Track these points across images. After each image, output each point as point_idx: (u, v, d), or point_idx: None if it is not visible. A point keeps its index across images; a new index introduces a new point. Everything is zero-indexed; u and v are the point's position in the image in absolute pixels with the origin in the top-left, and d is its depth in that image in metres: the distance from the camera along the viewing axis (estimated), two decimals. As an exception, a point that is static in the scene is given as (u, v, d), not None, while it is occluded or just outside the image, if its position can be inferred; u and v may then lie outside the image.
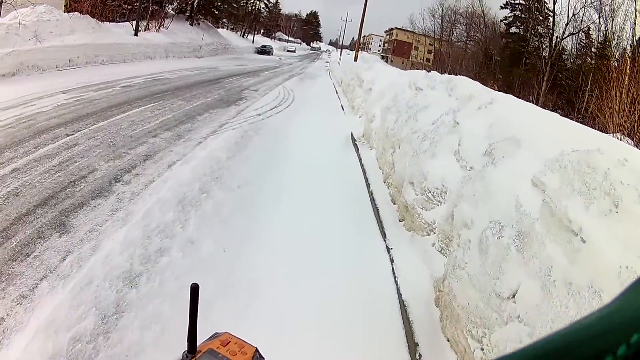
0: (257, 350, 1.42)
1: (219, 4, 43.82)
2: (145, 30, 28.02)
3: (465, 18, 49.05)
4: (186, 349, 1.33)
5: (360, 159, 9.01)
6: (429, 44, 60.24)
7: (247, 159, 8.37)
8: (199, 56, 32.22)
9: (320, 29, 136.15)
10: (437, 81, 7.91)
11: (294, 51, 76.40)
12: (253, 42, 58.90)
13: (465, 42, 49.23)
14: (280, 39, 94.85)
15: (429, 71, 10.98)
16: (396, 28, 78.47)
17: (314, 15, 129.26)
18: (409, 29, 65.53)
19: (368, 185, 7.63)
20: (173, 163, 7.54)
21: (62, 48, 16.95)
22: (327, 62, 57.25)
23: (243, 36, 59.15)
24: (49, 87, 11.89)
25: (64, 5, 21.04)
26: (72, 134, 8.08)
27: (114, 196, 5.86)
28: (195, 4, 37.83)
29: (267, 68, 32.29)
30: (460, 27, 50.66)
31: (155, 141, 8.55)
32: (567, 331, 0.33)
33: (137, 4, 26.47)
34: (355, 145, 10.12)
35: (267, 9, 68.09)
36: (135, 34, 25.44)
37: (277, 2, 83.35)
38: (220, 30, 45.64)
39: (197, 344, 1.38)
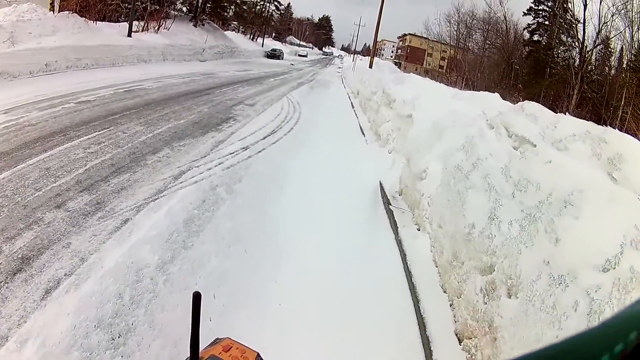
0: (258, 355, 1.38)
1: (226, 4, 39.77)
2: (142, 31, 24.19)
3: (484, 24, 44.64)
4: (188, 356, 1.22)
5: (402, 254, 4.88)
6: (443, 51, 56.53)
7: (197, 267, 4.30)
8: (201, 60, 28.35)
9: (333, 34, 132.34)
10: (558, 128, 3.78)
11: (305, 56, 72.01)
12: (262, 45, 54.54)
13: (483, 48, 44.76)
14: (291, 43, 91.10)
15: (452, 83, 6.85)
16: (410, 34, 75.99)
17: (326, 20, 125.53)
18: (422, 35, 62.02)
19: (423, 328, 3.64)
20: (47, 292, 3.58)
21: (37, 51, 13.85)
22: (340, 67, 53.34)
23: (252, 39, 54.85)
24: None
25: (50, 3, 17.36)
26: None
27: None
28: (200, 4, 33.88)
29: (274, 74, 27.91)
30: (478, 33, 46.39)
31: (51, 220, 4.71)
32: (568, 338, 0.33)
33: (132, 2, 22.42)
34: (388, 211, 5.99)
35: (278, 12, 63.71)
36: (129, 35, 21.54)
37: (288, 5, 79.86)
38: (227, 32, 41.78)
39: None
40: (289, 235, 5.10)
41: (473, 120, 5.25)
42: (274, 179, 6.97)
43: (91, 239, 4.49)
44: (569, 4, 35.07)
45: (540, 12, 38.92)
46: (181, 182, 6.08)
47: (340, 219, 5.77)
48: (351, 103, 19.15)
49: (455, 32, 49.00)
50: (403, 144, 8.13)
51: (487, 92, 8.52)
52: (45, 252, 4.09)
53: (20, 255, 3.92)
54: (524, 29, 40.90)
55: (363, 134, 12.00)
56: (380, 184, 7.02)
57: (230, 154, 7.84)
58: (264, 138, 9.49)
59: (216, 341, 1.45)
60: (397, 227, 5.39)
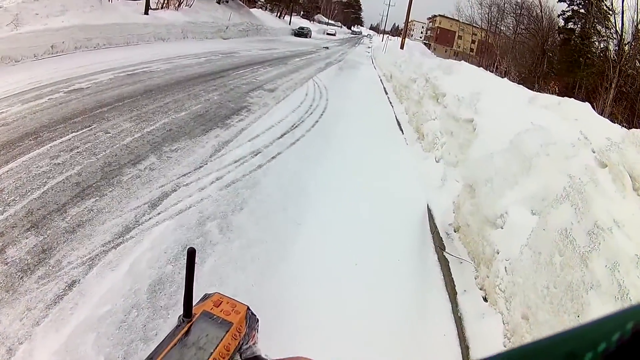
0: (248, 308, 1.34)
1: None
2: (162, 8, 22.46)
3: (517, 7, 41.66)
4: (182, 313, 1.22)
5: (463, 346, 3.09)
6: (474, 34, 53.98)
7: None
8: (224, 37, 26.61)
9: (362, 13, 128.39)
10: None
11: (334, 34, 69.52)
12: (290, 23, 52.17)
13: (515, 32, 41.79)
14: (320, 22, 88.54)
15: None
16: (440, 15, 73.01)
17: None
18: (452, 17, 59.44)
19: None
20: None
21: (42, 33, 12.48)
22: (369, 47, 51.10)
23: (280, 17, 52.39)
24: None
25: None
26: None
27: None
28: (222, -20, 31.98)
29: (300, 53, 25.80)
30: (510, 17, 43.43)
31: None
32: (553, 335, 0.32)
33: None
34: (441, 257, 4.22)
35: (306, -11, 61.16)
36: (145, 12, 19.82)
37: (317, -18, 76.93)
38: (254, 10, 39.71)
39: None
40: (301, 318, 3.33)
41: (573, 148, 3.40)
42: (288, 204, 5.10)
43: (23, 316, 2.99)
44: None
45: (575, 0, 35.83)
46: (159, 213, 4.34)
47: (375, 275, 3.92)
48: (384, 88, 16.98)
49: (486, 15, 46.34)
50: (459, 155, 6.20)
51: (567, 98, 6.39)
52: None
53: None
54: (558, 15, 37.89)
55: (401, 129, 9.96)
56: (429, 210, 5.21)
57: (235, 162, 6.03)
58: (280, 136, 7.61)
59: (205, 296, 1.38)
60: (456, 292, 3.63)
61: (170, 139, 6.55)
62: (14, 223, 3.96)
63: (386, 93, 15.53)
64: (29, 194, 4.50)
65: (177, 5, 23.87)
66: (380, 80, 19.67)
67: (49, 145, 5.74)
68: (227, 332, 1.26)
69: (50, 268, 3.46)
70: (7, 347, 2.76)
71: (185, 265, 1.15)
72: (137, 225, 4.12)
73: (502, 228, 3.47)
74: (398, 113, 11.47)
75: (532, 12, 40.45)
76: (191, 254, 1.17)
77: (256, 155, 6.44)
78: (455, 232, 4.47)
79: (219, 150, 6.38)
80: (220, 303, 1.33)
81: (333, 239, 4.44)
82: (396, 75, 15.85)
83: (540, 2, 39.11)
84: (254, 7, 43.65)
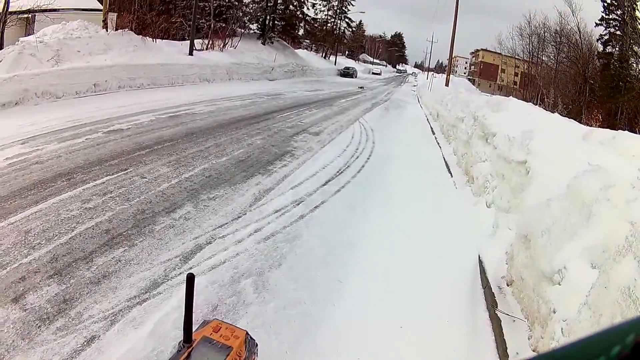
0: (247, 333, 1.52)
1: (296, 22, 38.73)
2: (207, 49, 23.24)
3: (557, 35, 41.21)
4: (182, 339, 1.36)
5: None
6: (516, 66, 53.77)
7: None
8: (270, 78, 27.29)
9: (405, 51, 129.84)
10: None
11: (379, 73, 70.67)
12: (335, 63, 53.27)
13: (556, 62, 41.25)
14: (365, 61, 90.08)
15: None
16: (482, 49, 73.50)
17: (398, 37, 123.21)
18: (494, 51, 59.50)
19: None
20: None
21: (84, 70, 13.02)
22: (414, 85, 51.44)
23: (325, 57, 53.73)
24: (19, 129, 8.17)
25: (102, 21, 16.51)
26: None
27: None
28: (269, 22, 32.91)
29: (346, 94, 26.06)
30: (550, 46, 43.02)
31: None
32: (568, 345, 0.35)
33: (192, 18, 21.46)
34: (493, 316, 3.90)
35: (350, 30, 62.20)
36: (190, 53, 20.51)
37: (360, 22, 78.57)
38: (299, 50, 40.79)
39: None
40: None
41: (633, 190, 3.10)
42: (330, 259, 4.88)
43: None
44: (637, 12, 31.81)
45: (611, 22, 35.24)
46: (190, 268, 4.19)
47: (422, 339, 3.60)
48: (431, 127, 16.79)
49: (527, 46, 46.04)
50: (511, 200, 5.88)
51: (621, 131, 6.04)
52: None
53: None
54: (597, 39, 37.34)
55: (449, 171, 9.67)
56: (480, 261, 4.89)
57: (276, 211, 5.89)
58: (325, 183, 7.46)
59: (205, 323, 1.63)
60: (508, 354, 3.30)
61: (209, 186, 6.52)
62: (37, 268, 3.94)
63: (433, 133, 15.30)
64: (55, 238, 4.49)
65: (222, 46, 24.68)
66: (427, 119, 19.56)
67: (82, 187, 5.79)
68: (227, 356, 1.33)
69: (70, 320, 3.37)
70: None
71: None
72: (165, 280, 3.99)
73: (559, 284, 3.15)
74: (446, 154, 11.19)
75: (572, 39, 39.87)
76: (190, 279, 1.29)
77: (298, 204, 6.29)
78: (508, 286, 4.15)
79: (260, 199, 6.28)
80: (220, 329, 1.47)
81: (376, 298, 4.17)
82: (443, 114, 15.66)
83: (579, 28, 38.55)
84: (299, 47, 44.83)
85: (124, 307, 3.57)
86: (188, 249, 4.60)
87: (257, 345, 1.68)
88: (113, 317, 3.44)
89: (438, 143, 13.26)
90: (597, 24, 36.90)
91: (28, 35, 14.32)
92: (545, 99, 37.58)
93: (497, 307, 3.94)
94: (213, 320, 1.59)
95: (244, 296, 3.93)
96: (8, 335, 3.12)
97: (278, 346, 3.38)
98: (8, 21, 14.33)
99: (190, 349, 1.42)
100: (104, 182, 6.01)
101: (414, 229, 5.98)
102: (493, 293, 4.20)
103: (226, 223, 5.34)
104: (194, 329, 1.52)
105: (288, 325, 3.65)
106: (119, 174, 6.42)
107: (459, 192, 8.16)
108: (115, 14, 19.20)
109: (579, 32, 39.16)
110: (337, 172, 8.28)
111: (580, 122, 9.60)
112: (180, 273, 4.11)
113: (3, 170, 6.16)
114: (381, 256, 5.07)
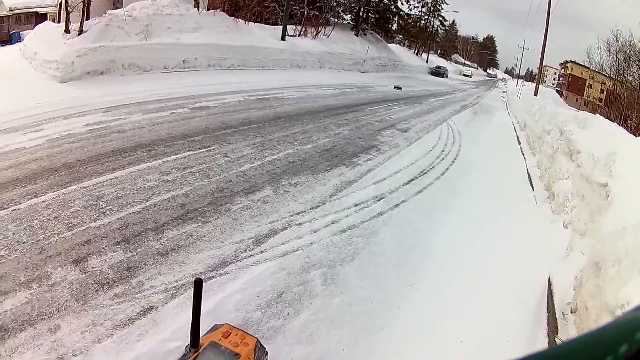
0: (258, 340, 1.46)
1: (390, 16, 38.28)
2: (299, 35, 23.37)
3: None
4: (189, 342, 1.34)
5: None
6: (602, 82, 50.63)
7: None
8: (362, 70, 27.20)
9: (497, 55, 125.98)
10: None
11: (470, 76, 68.72)
12: (427, 61, 52.27)
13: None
14: (456, 62, 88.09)
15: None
16: (571, 62, 69.37)
17: (490, 40, 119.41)
18: (583, 64, 56.27)
19: None
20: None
21: (173, 47, 13.45)
22: (504, 92, 49.61)
23: (417, 54, 52.91)
24: (103, 98, 8.68)
25: (195, 0, 16.91)
26: None
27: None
28: (363, 13, 32.76)
29: (435, 93, 25.41)
30: (636, 65, 39.92)
31: (57, 281, 3.39)
32: (572, 340, 0.33)
33: (285, 4, 21.64)
34: (550, 336, 3.70)
35: (443, 28, 60.88)
36: (282, 38, 20.68)
37: (453, 22, 76.91)
38: (391, 45, 40.28)
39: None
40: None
41: None
42: (403, 261, 4.60)
43: (86, 329, 2.92)
44: None
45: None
46: (261, 252, 4.09)
47: (479, 357, 3.33)
48: (517, 137, 15.91)
49: (614, 63, 43.01)
50: (589, 223, 5.35)
51: None
52: (24, 330, 2.83)
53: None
54: None
55: (531, 184, 9.01)
56: (550, 284, 4.46)
57: (356, 205, 5.67)
58: (407, 182, 7.13)
59: (215, 327, 1.53)
60: None
61: (291, 171, 6.42)
62: (104, 233, 3.98)
63: (519, 143, 14.48)
64: (128, 206, 4.54)
65: (314, 34, 24.72)
66: (514, 127, 18.61)
67: (162, 160, 5.85)
68: None
69: (130, 287, 3.37)
70: (59, 354, 2.66)
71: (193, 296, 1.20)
72: (235, 261, 3.90)
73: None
74: (530, 167, 10.48)
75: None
76: (198, 284, 1.30)
77: (379, 200, 6.03)
78: (571, 313, 3.73)
79: (341, 191, 6.08)
80: (229, 334, 1.44)
81: (443, 308, 3.86)
82: (530, 124, 14.79)
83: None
84: (392, 42, 44.32)
85: (188, 282, 3.51)
86: (262, 232, 4.49)
87: (267, 353, 1.62)
88: (175, 291, 3.40)
89: (523, 154, 12.52)
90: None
91: (116, 8, 14.91)
92: (629, 120, 35.12)
93: (557, 334, 3.59)
94: (224, 325, 1.55)
95: (311, 287, 3.79)
96: (62, 294, 3.16)
97: (336, 344, 3.23)
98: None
99: (196, 354, 1.43)
100: (185, 157, 6.05)
101: (489, 243, 5.56)
102: (556, 319, 3.83)
103: (304, 211, 5.20)
104: (206, 332, 1.55)
105: (351, 322, 3.47)
106: (202, 150, 6.46)
107: (539, 208, 7.57)
108: (208, -6, 19.67)
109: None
110: (421, 172, 7.92)
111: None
112: (251, 255, 4.02)
113: (82, 136, 6.38)
114: (452, 266, 4.72)
